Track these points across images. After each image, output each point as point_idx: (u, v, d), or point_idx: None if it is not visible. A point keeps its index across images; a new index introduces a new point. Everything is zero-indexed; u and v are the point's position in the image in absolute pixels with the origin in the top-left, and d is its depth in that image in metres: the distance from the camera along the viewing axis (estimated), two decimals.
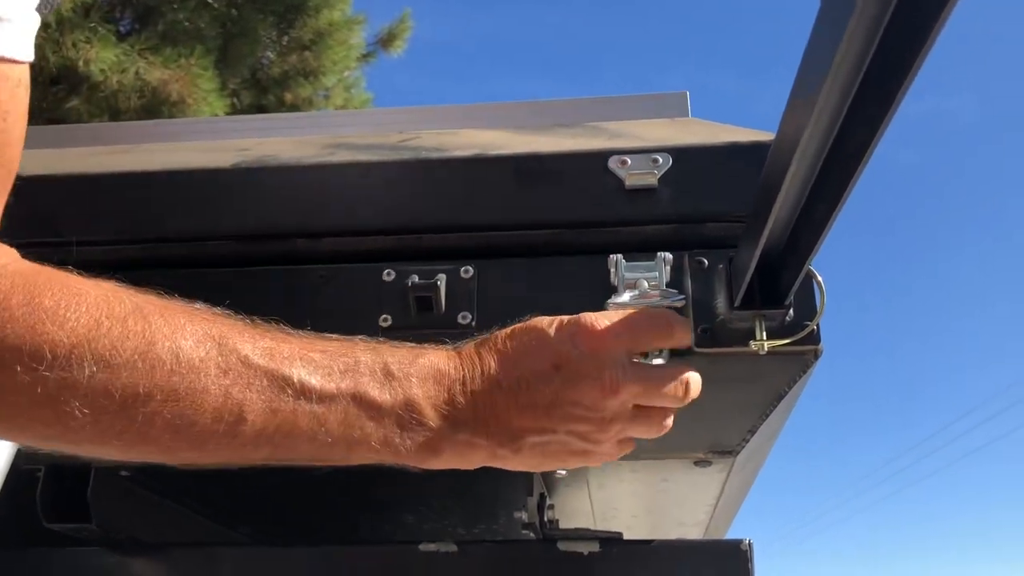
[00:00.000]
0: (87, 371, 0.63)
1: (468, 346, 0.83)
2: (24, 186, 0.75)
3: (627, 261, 1.02)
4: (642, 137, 1.13)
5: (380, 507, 1.56)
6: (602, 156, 1.05)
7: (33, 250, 0.70)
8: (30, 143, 0.78)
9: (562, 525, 1.28)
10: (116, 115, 6.31)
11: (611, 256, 1.00)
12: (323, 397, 0.73)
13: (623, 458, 1.26)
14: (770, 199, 0.80)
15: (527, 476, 1.21)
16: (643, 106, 1.39)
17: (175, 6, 7.00)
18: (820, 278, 1.01)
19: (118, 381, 0.64)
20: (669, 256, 1.00)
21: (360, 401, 0.74)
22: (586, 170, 1.06)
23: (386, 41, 8.89)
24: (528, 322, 0.84)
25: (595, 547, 1.22)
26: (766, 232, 0.85)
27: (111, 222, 1.13)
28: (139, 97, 6.22)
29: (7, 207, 0.70)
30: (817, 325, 1.00)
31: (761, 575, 1.23)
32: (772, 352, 0.96)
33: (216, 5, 7.27)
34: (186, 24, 6.92)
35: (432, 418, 0.77)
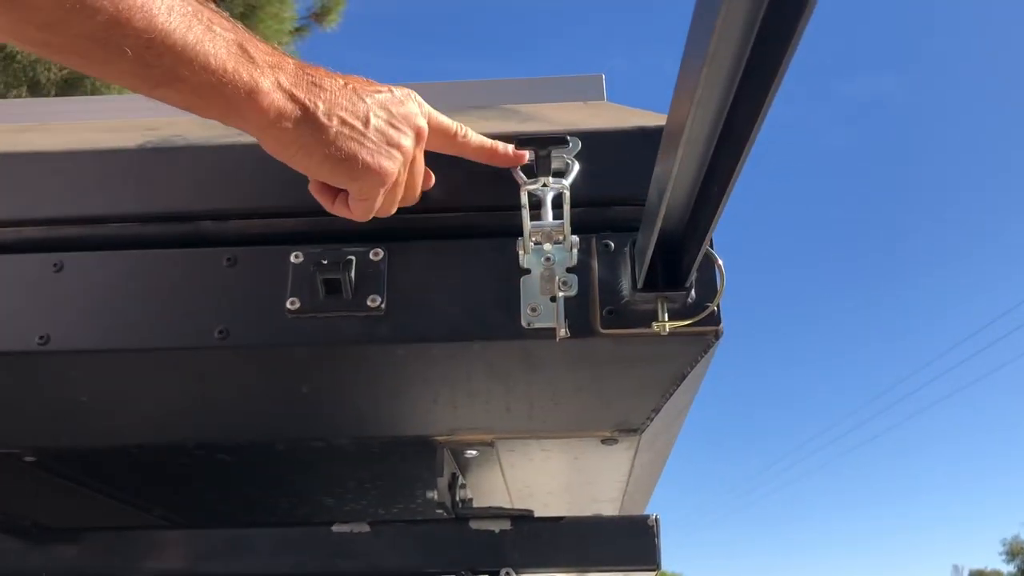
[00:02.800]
0: None
1: None
2: None
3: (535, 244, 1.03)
4: (553, 121, 1.13)
5: (299, 490, 1.55)
6: (512, 140, 1.04)
7: None
8: None
9: (478, 504, 1.30)
10: (35, 87, 6.10)
11: (519, 239, 1.02)
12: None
13: (531, 436, 1.28)
14: (663, 182, 0.81)
15: (438, 455, 1.21)
16: (560, 88, 1.40)
17: None
18: (720, 261, 1.03)
19: None
20: (576, 239, 1.01)
21: (198, 16, 0.78)
22: None
23: (320, 15, 8.74)
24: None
25: (506, 525, 1.22)
26: (661, 214, 0.86)
27: (9, 202, 1.10)
28: (60, 68, 6.03)
29: None
30: (718, 306, 1.02)
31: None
32: (674, 333, 0.98)
33: None
34: None
35: (257, 59, 0.82)
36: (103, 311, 1.05)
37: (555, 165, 1.02)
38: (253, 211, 1.07)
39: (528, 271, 1.03)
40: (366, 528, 1.21)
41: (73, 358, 1.05)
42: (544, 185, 1.01)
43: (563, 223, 0.98)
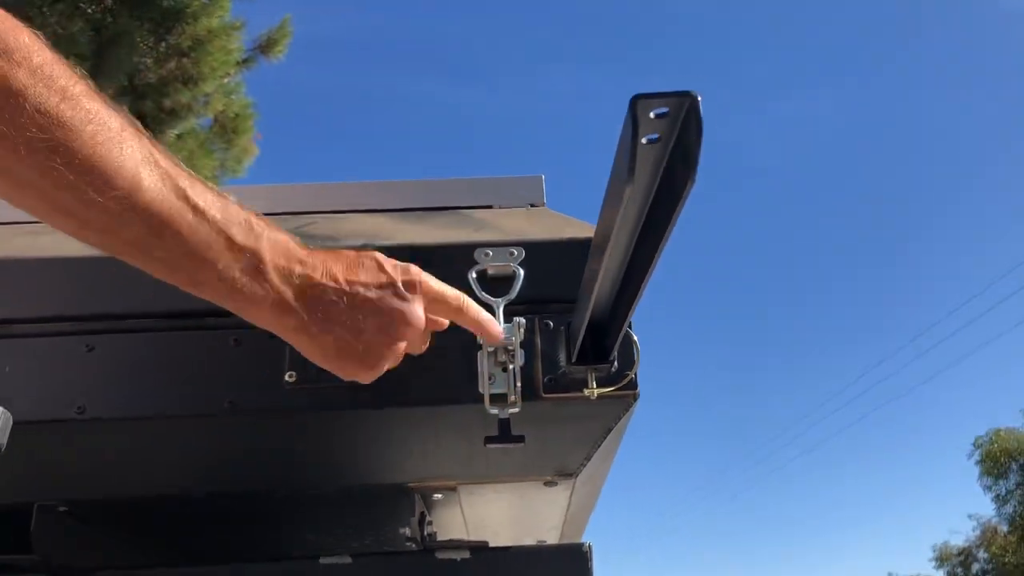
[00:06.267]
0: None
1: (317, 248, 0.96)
2: None
3: None
4: (502, 229, 1.36)
5: (291, 529, 1.74)
6: (470, 247, 1.24)
7: None
8: None
9: (442, 537, 1.52)
10: None
11: None
12: (197, 212, 0.80)
13: (487, 482, 1.50)
14: (592, 280, 1.04)
15: (410, 498, 1.43)
16: (503, 190, 1.61)
17: (44, 10, 6.66)
18: (636, 338, 1.27)
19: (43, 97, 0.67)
20: (523, 320, 1.24)
21: (223, 232, 0.82)
22: (459, 258, 1.24)
23: (265, 47, 8.64)
24: (370, 251, 0.98)
25: (466, 554, 1.40)
26: (591, 304, 1.10)
27: (44, 300, 1.29)
28: None
29: None
30: (635, 375, 1.26)
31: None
32: (601, 396, 1.21)
33: (90, 10, 6.95)
34: (58, 29, 6.62)
35: (271, 274, 0.86)
36: (129, 385, 1.23)
37: (504, 272, 1.26)
38: None
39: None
40: (348, 560, 1.41)
41: (104, 424, 1.21)
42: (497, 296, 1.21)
43: (512, 328, 1.17)
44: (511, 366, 1.21)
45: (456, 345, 1.24)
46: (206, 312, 1.26)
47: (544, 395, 1.21)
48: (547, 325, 1.27)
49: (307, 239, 1.33)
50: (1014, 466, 22.13)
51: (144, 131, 0.79)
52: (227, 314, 1.31)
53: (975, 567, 25.12)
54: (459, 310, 1.07)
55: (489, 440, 1.19)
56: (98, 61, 6.81)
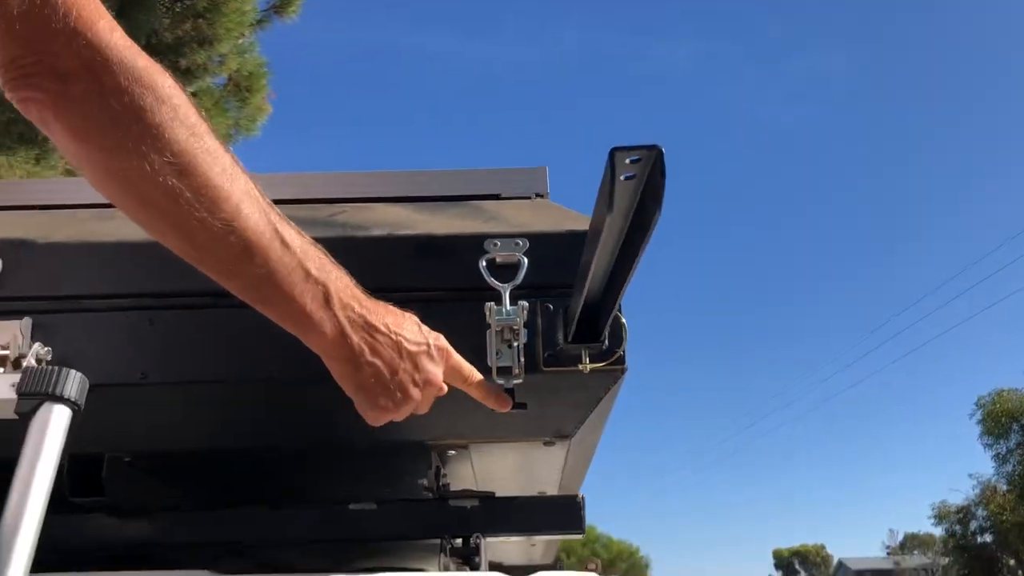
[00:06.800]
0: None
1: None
2: None
3: (496, 305, 1.45)
4: (509, 221, 1.54)
5: (321, 478, 1.97)
6: (480, 238, 1.42)
7: None
8: None
9: (454, 488, 1.73)
10: None
11: (487, 304, 1.44)
12: (284, 243, 0.93)
13: (494, 441, 1.71)
14: (584, 273, 1.20)
15: (427, 454, 1.65)
16: (511, 180, 1.77)
17: None
18: (624, 320, 1.46)
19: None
20: (526, 303, 1.41)
21: (302, 265, 0.95)
22: (470, 247, 1.43)
23: (280, 8, 8.57)
24: (410, 312, 1.13)
25: (475, 502, 1.62)
26: (584, 294, 1.28)
27: (114, 278, 1.48)
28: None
29: None
30: (623, 352, 1.46)
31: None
32: (593, 370, 1.38)
33: None
34: None
35: (336, 306, 0.99)
36: (186, 354, 1.40)
37: (510, 260, 1.42)
38: None
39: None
40: (374, 506, 1.62)
41: (163, 388, 1.39)
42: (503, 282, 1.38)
43: (517, 310, 1.35)
44: (515, 343, 1.39)
45: (467, 325, 1.42)
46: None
47: (544, 368, 1.40)
48: (547, 308, 1.44)
49: (337, 226, 1.53)
50: (1015, 426, 22.19)
51: (246, 171, 0.92)
52: None
53: (973, 524, 25.29)
54: (471, 383, 1.22)
55: None
56: (120, 22, 6.89)
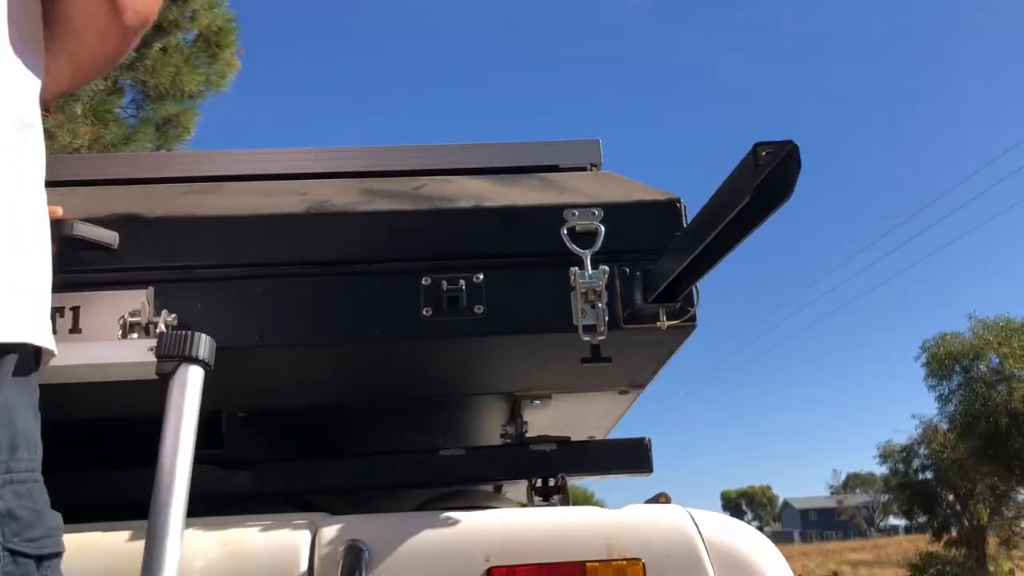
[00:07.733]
0: None
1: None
2: None
3: (580, 270, 1.59)
4: (582, 192, 1.66)
5: (416, 427, 2.13)
6: (559, 208, 1.57)
7: None
8: None
9: (534, 434, 1.89)
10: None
11: (571, 268, 1.58)
12: None
13: (575, 391, 1.86)
14: (695, 243, 1.34)
15: (515, 405, 1.82)
16: (568, 152, 1.85)
17: None
18: (698, 286, 1.62)
19: None
20: (607, 268, 1.56)
21: None
22: (551, 216, 1.57)
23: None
24: None
25: (553, 447, 1.78)
26: (681, 262, 1.43)
27: (227, 248, 1.59)
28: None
29: None
30: (695, 313, 1.62)
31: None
32: (669, 327, 1.55)
33: None
34: None
35: None
36: (297, 319, 1.54)
37: (587, 228, 1.57)
38: (392, 256, 1.57)
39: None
40: (462, 451, 1.78)
41: (279, 349, 1.53)
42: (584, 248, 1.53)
43: (599, 273, 1.51)
44: (599, 304, 1.55)
45: (554, 287, 1.56)
46: (356, 260, 1.59)
47: (624, 326, 1.54)
48: (624, 271, 1.58)
49: (426, 199, 1.64)
50: (957, 368, 22.85)
51: None
52: (375, 260, 1.61)
53: (916, 463, 26.11)
54: None
55: (585, 360, 1.55)
56: None
